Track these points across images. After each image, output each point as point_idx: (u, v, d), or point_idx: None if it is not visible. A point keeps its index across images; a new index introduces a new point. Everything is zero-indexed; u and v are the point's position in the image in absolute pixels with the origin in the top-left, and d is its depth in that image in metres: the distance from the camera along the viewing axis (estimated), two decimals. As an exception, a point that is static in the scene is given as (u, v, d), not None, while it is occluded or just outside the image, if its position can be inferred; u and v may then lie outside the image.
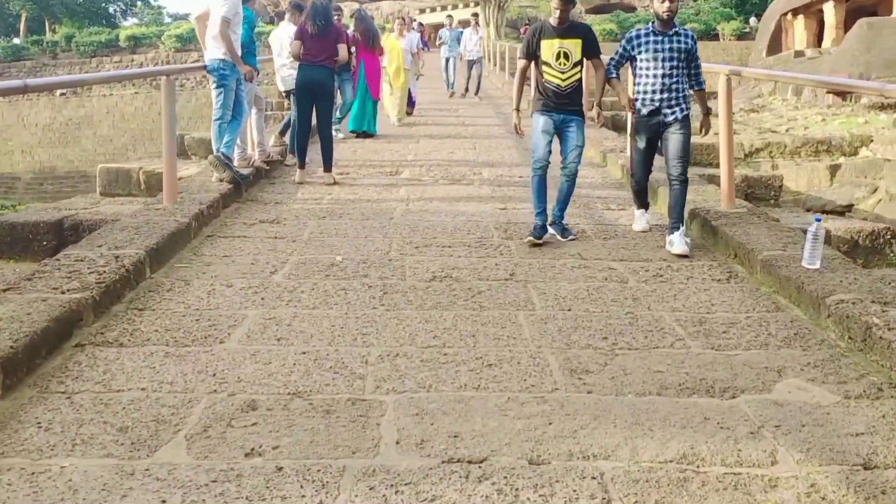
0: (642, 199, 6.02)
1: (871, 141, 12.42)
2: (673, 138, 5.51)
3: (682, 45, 5.58)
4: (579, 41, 5.58)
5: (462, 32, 18.40)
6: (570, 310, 4.15)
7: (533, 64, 5.80)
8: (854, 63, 19.21)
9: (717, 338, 3.75)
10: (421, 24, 24.43)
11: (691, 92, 5.83)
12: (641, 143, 5.75)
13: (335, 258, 5.10)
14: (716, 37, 45.54)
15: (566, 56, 5.54)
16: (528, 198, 6.96)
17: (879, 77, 18.87)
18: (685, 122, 5.58)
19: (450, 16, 20.25)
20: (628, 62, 5.70)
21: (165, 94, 5.93)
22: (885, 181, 9.88)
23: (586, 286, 4.59)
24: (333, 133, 11.23)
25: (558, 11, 5.50)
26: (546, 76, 5.60)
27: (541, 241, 5.49)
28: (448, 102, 16.06)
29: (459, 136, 11.43)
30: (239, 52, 6.86)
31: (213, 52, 6.71)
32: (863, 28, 19.79)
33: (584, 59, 5.65)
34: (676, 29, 5.59)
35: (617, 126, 12.88)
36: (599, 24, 47.16)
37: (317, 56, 7.59)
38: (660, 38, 5.56)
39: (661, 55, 5.50)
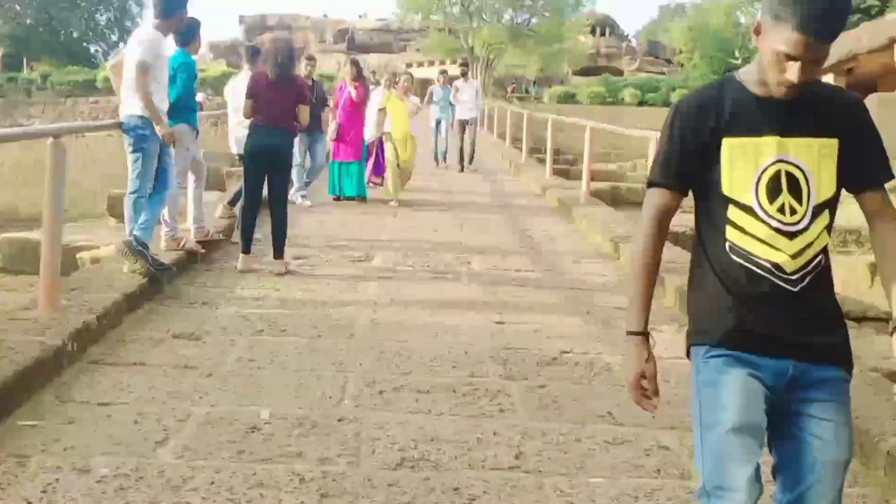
0: None
1: None
2: None
3: None
4: (834, 143, 1.86)
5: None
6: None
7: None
8: (865, 140, 18.11)
9: None
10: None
11: None
12: None
13: (260, 413, 3.51)
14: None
15: (796, 188, 1.82)
16: (529, 306, 5.45)
17: (893, 158, 17.74)
18: None
19: (444, 70, 17.10)
20: None
21: (52, 160, 4.35)
22: None
23: (633, 484, 3.03)
24: (300, 201, 9.87)
25: (798, 61, 1.70)
26: (736, 240, 1.84)
27: None
28: (431, 167, 14.55)
29: (444, 209, 9.96)
30: (165, 106, 5.34)
31: (130, 105, 5.20)
32: (874, 104, 18.72)
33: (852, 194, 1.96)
34: None
35: None
36: (588, 87, 46.57)
37: (273, 116, 6.10)
38: None
39: None
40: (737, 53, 52.57)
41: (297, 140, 9.43)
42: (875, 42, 24.17)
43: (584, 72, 59.04)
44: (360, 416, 3.54)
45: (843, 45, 26.55)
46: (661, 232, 1.93)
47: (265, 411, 3.53)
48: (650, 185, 1.94)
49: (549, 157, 13.36)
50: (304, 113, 6.26)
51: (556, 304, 5.65)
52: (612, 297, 5.96)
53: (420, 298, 5.64)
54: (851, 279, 9.49)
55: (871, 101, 19.43)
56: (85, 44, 59.71)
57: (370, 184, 10.74)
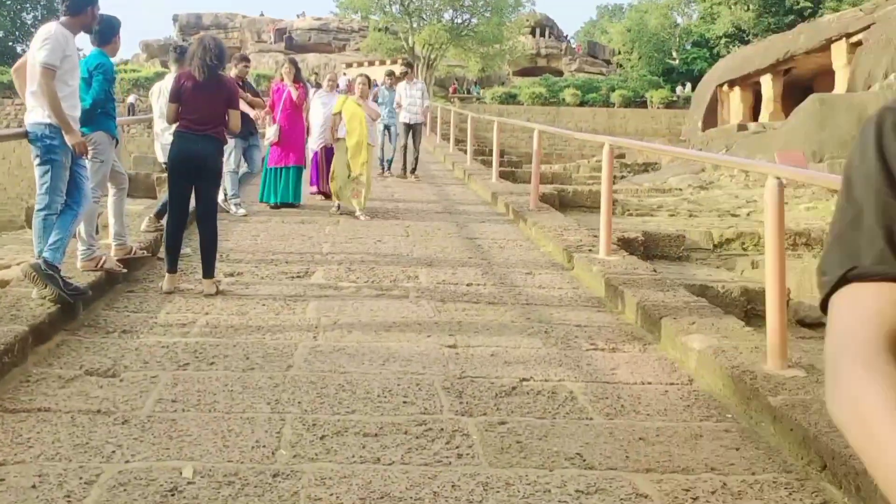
0: None
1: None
2: None
3: None
4: None
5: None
6: None
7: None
8: (807, 141, 18.20)
9: None
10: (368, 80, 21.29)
11: None
12: None
13: (182, 470, 3.03)
14: (644, 104, 45.34)
15: None
16: (484, 325, 5.05)
17: (833, 157, 17.91)
18: None
19: (391, 71, 15.16)
20: None
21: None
22: None
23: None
24: (234, 210, 9.32)
25: None
26: None
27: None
28: (373, 174, 14.00)
29: (388, 217, 9.50)
30: (76, 112, 4.80)
31: (35, 112, 4.64)
32: (815, 104, 18.87)
33: None
34: None
35: None
36: (528, 88, 46.53)
37: (200, 121, 5.59)
38: None
39: None
40: (674, 54, 53.23)
41: (231, 145, 8.99)
42: (812, 43, 24.52)
43: (525, 72, 59.13)
44: (299, 470, 3.09)
45: (779, 47, 26.91)
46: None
47: (188, 467, 3.05)
48: (844, 280, 0.90)
49: (495, 160, 13.01)
50: (234, 118, 5.75)
51: (512, 324, 5.26)
52: (569, 313, 5.60)
53: (365, 320, 5.19)
54: (805, 282, 9.35)
55: (812, 101, 19.60)
56: (11, 43, 57.50)
57: (320, 196, 10.40)
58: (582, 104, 45.45)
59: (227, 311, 5.26)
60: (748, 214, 13.93)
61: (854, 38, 22.60)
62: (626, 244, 9.22)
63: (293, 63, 10.61)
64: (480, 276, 6.66)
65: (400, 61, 47.54)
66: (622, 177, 22.86)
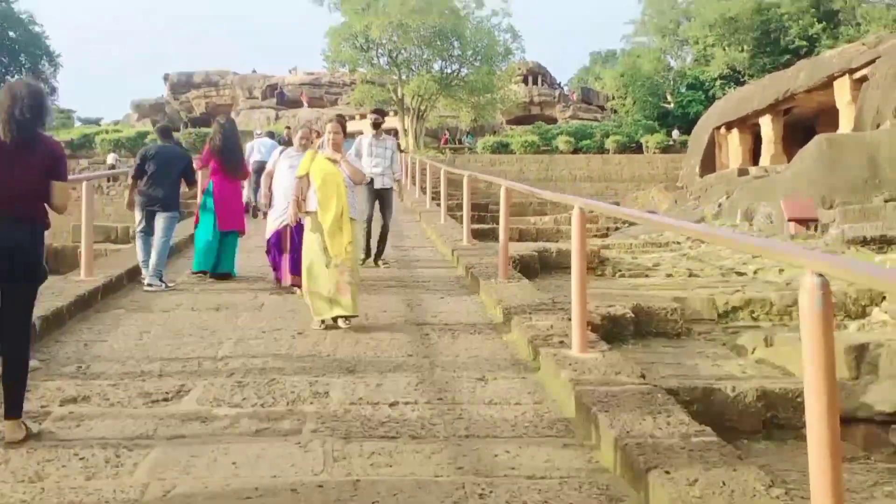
0: None
1: (884, 298, 9.44)
2: None
3: None
4: None
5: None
6: None
7: None
8: (814, 185, 16.69)
9: None
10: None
11: None
12: None
13: None
14: (639, 149, 44.15)
15: None
16: (395, 486, 3.44)
17: (845, 203, 16.39)
18: None
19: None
20: None
21: None
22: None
23: None
24: (143, 283, 8.04)
25: None
26: None
27: None
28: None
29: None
30: None
31: None
32: (822, 146, 17.39)
33: None
34: None
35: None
36: (521, 136, 45.41)
37: (4, 198, 4.04)
38: None
39: None
40: (669, 97, 52.21)
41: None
42: (813, 80, 23.19)
43: (518, 120, 58.19)
44: None
45: (778, 85, 25.58)
46: None
47: None
48: None
49: (466, 219, 11.45)
50: (59, 192, 4.19)
51: (436, 480, 3.64)
52: (522, 452, 3.98)
53: (215, 487, 3.55)
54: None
55: (818, 143, 18.13)
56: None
57: (293, 288, 7.92)
58: (576, 151, 44.26)
59: (21, 474, 3.63)
60: (755, 273, 12.32)
61: (858, 74, 21.28)
62: (614, 323, 7.64)
63: (224, 120, 9.31)
64: (414, 387, 5.03)
65: (392, 113, 46.43)
66: (616, 228, 21.31)
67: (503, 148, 44.71)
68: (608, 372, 4.94)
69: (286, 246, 8.05)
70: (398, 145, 19.64)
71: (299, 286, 7.36)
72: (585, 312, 5.55)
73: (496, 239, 13.48)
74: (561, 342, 5.66)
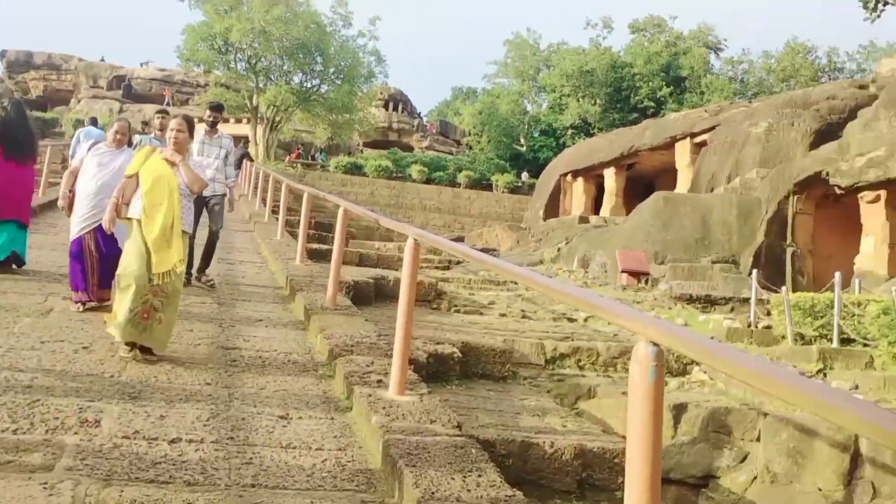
0: None
1: (705, 356, 9.67)
2: None
3: None
4: None
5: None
6: None
7: None
8: (650, 240, 17.21)
9: None
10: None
11: None
12: None
13: None
14: (490, 187, 44.89)
15: None
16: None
17: (676, 259, 16.99)
18: None
19: (163, 111, 9.16)
20: None
21: None
22: (762, 448, 6.70)
23: None
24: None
25: None
26: None
27: None
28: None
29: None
30: None
31: None
32: (659, 202, 18.02)
33: None
34: None
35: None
36: (375, 160, 45.14)
37: None
38: None
39: None
40: (522, 140, 53.56)
41: None
42: (657, 140, 24.20)
43: (375, 144, 57.98)
44: None
45: (625, 141, 26.58)
46: None
47: None
48: None
49: (301, 237, 10.87)
50: None
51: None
52: (312, 511, 3.47)
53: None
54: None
55: (657, 199, 18.79)
56: None
57: (98, 303, 6.77)
58: (428, 181, 44.43)
59: None
60: (585, 320, 12.41)
61: (698, 139, 22.37)
62: (441, 362, 7.29)
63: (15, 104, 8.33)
64: (203, 422, 4.43)
65: (245, 120, 44.84)
66: (458, 263, 21.27)
67: (356, 169, 44.26)
68: (423, 419, 4.53)
69: (89, 259, 6.80)
70: (247, 154, 18.66)
71: (104, 301, 6.52)
72: (408, 351, 5.14)
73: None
74: (379, 381, 5.21)
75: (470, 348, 7.88)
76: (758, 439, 6.79)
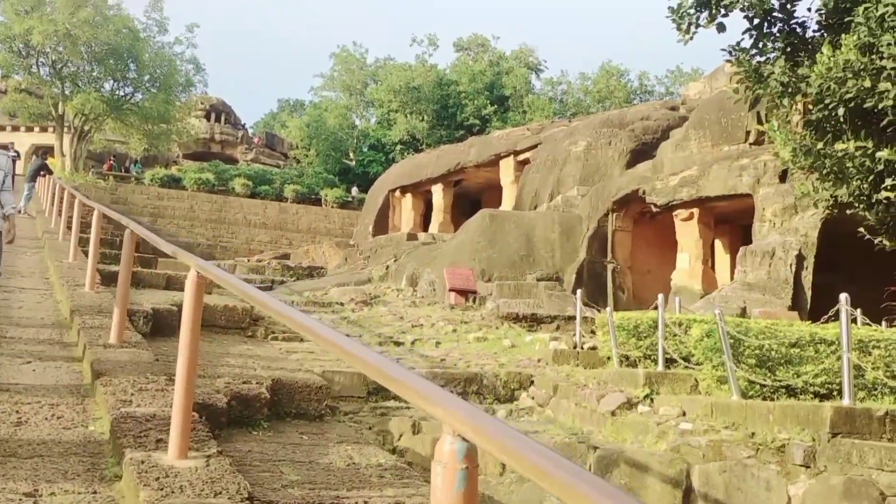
0: None
1: (532, 382, 9.31)
2: None
3: None
4: None
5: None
6: None
7: None
8: (477, 257, 16.99)
9: None
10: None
11: None
12: None
13: None
14: (319, 202, 43.86)
15: None
16: None
17: (502, 277, 16.85)
18: None
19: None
20: None
21: None
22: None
23: None
24: None
25: None
26: None
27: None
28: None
29: None
30: None
31: None
32: (485, 219, 17.86)
33: None
34: None
35: None
36: (195, 173, 42.97)
37: None
38: None
39: None
40: (351, 154, 52.88)
41: None
42: (482, 157, 24.24)
43: (197, 156, 55.38)
44: None
45: (451, 157, 26.49)
46: None
47: None
48: None
49: (91, 260, 9.66)
50: None
51: None
52: None
53: None
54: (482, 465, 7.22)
55: (483, 217, 18.64)
56: None
57: None
58: (253, 195, 42.77)
59: None
60: (413, 343, 11.89)
61: (521, 156, 22.56)
62: (245, 405, 6.44)
63: None
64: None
65: (51, 129, 41.46)
66: (282, 282, 20.25)
67: (175, 182, 41.89)
68: (205, 491, 3.74)
69: None
70: (44, 166, 16.89)
71: None
72: (191, 403, 4.32)
73: (137, 285, 11.73)
74: (159, 441, 4.36)
75: (282, 385, 7.09)
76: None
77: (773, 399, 7.09)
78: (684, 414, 7.07)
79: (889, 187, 10.85)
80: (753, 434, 6.00)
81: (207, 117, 58.74)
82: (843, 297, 6.32)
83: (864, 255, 12.27)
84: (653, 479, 5.83)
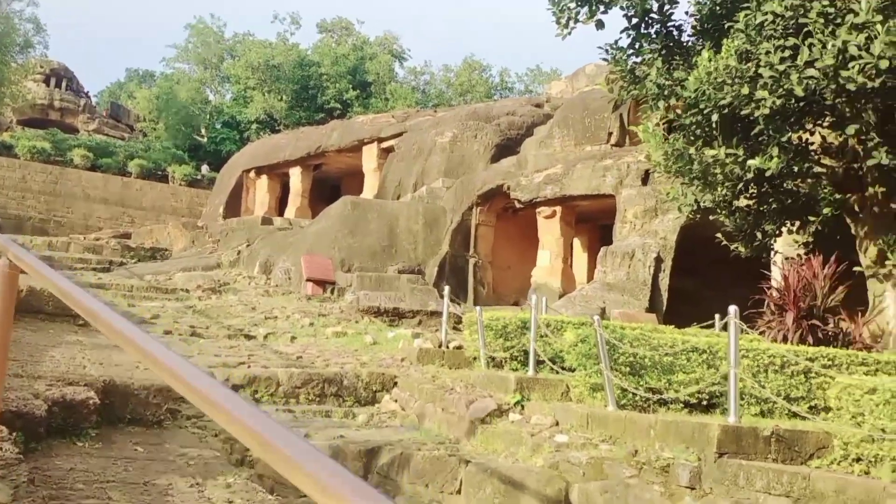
0: None
1: (395, 384, 8.73)
2: None
3: None
4: None
5: None
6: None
7: None
8: (336, 246, 16.25)
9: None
10: None
11: None
12: None
13: None
14: (165, 178, 41.49)
15: None
16: None
17: (363, 268, 16.20)
18: None
19: None
20: None
21: None
22: None
23: None
24: None
25: None
26: None
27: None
28: None
29: None
30: None
31: None
32: (347, 207, 17.12)
33: None
34: None
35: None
36: (29, 140, 39.61)
37: None
38: None
39: None
40: (203, 131, 50.44)
41: None
42: (344, 141, 23.42)
43: (33, 123, 51.21)
44: None
45: (312, 140, 25.50)
46: None
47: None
48: None
49: None
50: None
51: None
52: None
53: None
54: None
55: (344, 204, 17.90)
56: None
57: None
58: (94, 168, 39.87)
59: None
60: (266, 337, 11.07)
61: (385, 144, 21.95)
62: (70, 412, 5.55)
63: None
64: None
65: None
66: (121, 263, 18.73)
67: (6, 150, 38.45)
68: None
69: None
70: None
71: None
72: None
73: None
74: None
75: (115, 387, 6.21)
76: (458, 492, 5.96)
77: (645, 409, 6.87)
78: (557, 424, 6.73)
79: (750, 195, 11.05)
80: (636, 452, 5.71)
81: (47, 82, 54.41)
82: (733, 309, 6.14)
83: (720, 260, 12.51)
84: (528, 497, 5.41)
